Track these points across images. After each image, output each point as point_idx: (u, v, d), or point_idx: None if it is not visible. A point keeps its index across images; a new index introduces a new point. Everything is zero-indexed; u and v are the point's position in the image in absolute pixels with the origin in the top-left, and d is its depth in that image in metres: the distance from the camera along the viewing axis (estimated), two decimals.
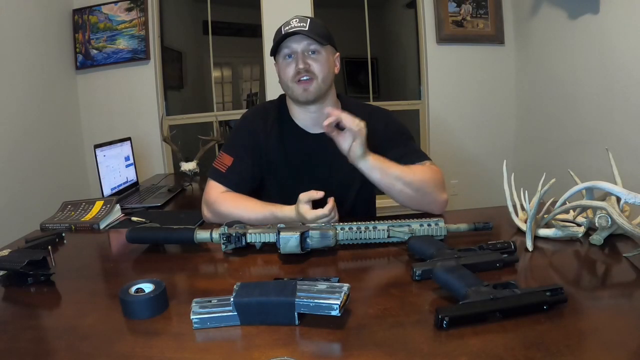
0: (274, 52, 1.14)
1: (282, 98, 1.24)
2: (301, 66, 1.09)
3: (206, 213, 1.15)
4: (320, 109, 1.17)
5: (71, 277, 0.83)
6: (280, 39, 1.10)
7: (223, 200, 1.11)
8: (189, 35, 3.55)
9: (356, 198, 1.22)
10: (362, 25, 3.17)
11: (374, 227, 0.88)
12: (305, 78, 1.10)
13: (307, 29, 1.08)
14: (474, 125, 3.18)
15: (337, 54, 1.20)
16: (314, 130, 1.20)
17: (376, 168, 1.02)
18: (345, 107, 1.21)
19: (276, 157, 1.20)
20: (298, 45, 1.10)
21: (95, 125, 2.94)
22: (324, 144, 1.18)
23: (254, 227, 0.90)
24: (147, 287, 0.67)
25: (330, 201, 0.99)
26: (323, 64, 1.12)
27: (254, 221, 1.02)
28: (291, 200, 1.02)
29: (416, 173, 1.06)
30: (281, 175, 1.20)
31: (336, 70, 1.18)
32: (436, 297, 0.67)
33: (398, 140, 1.19)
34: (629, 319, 0.59)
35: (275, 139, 1.19)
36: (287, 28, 1.10)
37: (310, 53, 1.11)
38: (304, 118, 1.19)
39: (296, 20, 1.10)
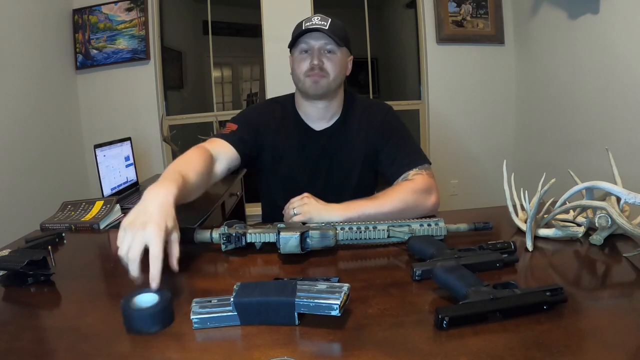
0: (292, 45, 1.17)
1: (289, 97, 1.28)
2: (315, 62, 1.12)
3: None
4: (328, 105, 1.22)
5: (71, 277, 0.83)
6: (300, 33, 1.12)
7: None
8: (189, 35, 3.55)
9: (355, 193, 1.23)
10: (362, 25, 3.17)
11: (374, 227, 0.87)
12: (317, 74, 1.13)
13: (327, 28, 1.11)
14: (474, 125, 3.18)
15: (351, 57, 1.23)
16: (319, 126, 1.24)
17: (353, 217, 1.01)
18: (349, 103, 1.27)
19: (281, 152, 1.23)
20: (315, 43, 1.13)
21: (95, 125, 2.94)
22: (327, 140, 1.24)
23: (254, 227, 0.90)
24: (151, 298, 0.63)
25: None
26: (336, 64, 1.15)
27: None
28: (293, 193, 1.03)
29: (395, 196, 1.07)
30: (284, 170, 1.23)
31: (347, 72, 1.22)
32: (436, 297, 0.67)
33: (392, 138, 1.21)
34: (629, 319, 0.59)
35: (282, 135, 1.22)
36: (308, 24, 1.13)
37: (325, 52, 1.14)
38: (311, 112, 1.22)
39: (318, 18, 1.14)
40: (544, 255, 0.83)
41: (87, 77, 2.93)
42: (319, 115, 1.23)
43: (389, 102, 1.34)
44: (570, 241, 0.89)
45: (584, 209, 0.89)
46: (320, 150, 1.23)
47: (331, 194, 1.09)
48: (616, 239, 0.87)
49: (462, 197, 3.20)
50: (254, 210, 3.06)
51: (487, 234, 0.93)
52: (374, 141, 1.22)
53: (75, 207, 1.24)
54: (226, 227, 0.88)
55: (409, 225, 0.88)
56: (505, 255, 0.76)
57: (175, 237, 0.73)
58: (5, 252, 0.85)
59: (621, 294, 0.68)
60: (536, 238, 0.88)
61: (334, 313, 0.57)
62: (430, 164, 1.18)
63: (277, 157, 1.23)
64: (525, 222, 0.88)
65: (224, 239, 0.87)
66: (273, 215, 1.20)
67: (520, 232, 0.93)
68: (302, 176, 1.23)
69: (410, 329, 0.58)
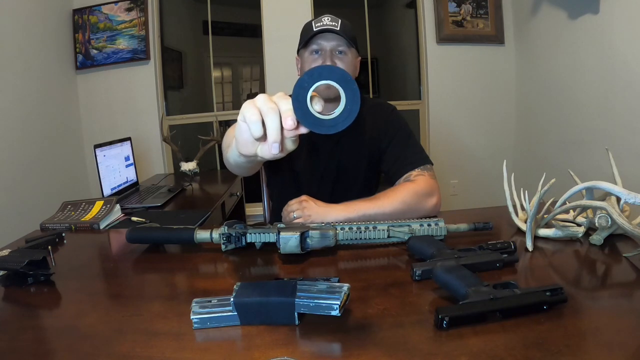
0: (302, 46, 1.17)
1: None
2: (328, 63, 1.12)
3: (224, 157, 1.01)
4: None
5: (71, 277, 0.83)
6: (313, 34, 1.12)
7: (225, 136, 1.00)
8: (189, 35, 3.54)
9: (360, 192, 1.25)
10: (362, 25, 3.17)
11: (374, 227, 0.87)
12: None
13: (338, 28, 1.11)
14: (474, 125, 3.18)
15: (359, 58, 1.23)
16: None
17: (353, 218, 1.02)
18: None
19: (292, 154, 1.22)
20: (328, 43, 1.13)
21: (95, 125, 2.94)
22: (337, 142, 1.25)
23: (253, 227, 0.90)
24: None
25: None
26: (348, 65, 1.15)
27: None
28: (301, 187, 1.07)
29: (395, 197, 1.07)
30: (295, 172, 1.25)
31: (356, 73, 1.22)
32: (436, 297, 0.67)
33: (396, 138, 1.22)
34: (629, 319, 0.59)
35: None
36: (318, 24, 1.12)
37: (337, 53, 1.14)
38: None
39: (328, 19, 1.14)
40: (544, 255, 0.83)
41: (87, 77, 2.93)
42: None
43: (389, 102, 1.35)
44: (570, 241, 0.89)
45: (584, 209, 0.89)
46: (329, 151, 1.24)
47: (339, 193, 1.10)
48: (616, 239, 0.87)
49: (462, 197, 3.21)
50: (254, 210, 3.06)
51: (487, 234, 0.93)
52: (378, 141, 1.23)
53: (75, 207, 1.24)
54: (226, 227, 0.88)
55: (409, 225, 0.88)
56: (505, 255, 0.76)
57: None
58: (5, 252, 0.85)
59: (621, 294, 0.68)
60: (536, 238, 0.88)
61: (334, 313, 0.57)
62: (432, 164, 1.18)
63: (288, 159, 1.23)
64: (525, 222, 0.88)
65: (224, 239, 0.87)
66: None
67: (520, 232, 0.93)
68: (313, 178, 1.24)
69: (410, 329, 0.58)
